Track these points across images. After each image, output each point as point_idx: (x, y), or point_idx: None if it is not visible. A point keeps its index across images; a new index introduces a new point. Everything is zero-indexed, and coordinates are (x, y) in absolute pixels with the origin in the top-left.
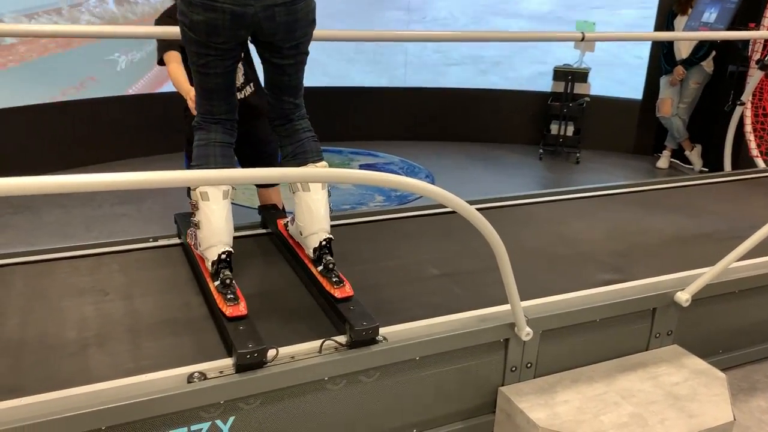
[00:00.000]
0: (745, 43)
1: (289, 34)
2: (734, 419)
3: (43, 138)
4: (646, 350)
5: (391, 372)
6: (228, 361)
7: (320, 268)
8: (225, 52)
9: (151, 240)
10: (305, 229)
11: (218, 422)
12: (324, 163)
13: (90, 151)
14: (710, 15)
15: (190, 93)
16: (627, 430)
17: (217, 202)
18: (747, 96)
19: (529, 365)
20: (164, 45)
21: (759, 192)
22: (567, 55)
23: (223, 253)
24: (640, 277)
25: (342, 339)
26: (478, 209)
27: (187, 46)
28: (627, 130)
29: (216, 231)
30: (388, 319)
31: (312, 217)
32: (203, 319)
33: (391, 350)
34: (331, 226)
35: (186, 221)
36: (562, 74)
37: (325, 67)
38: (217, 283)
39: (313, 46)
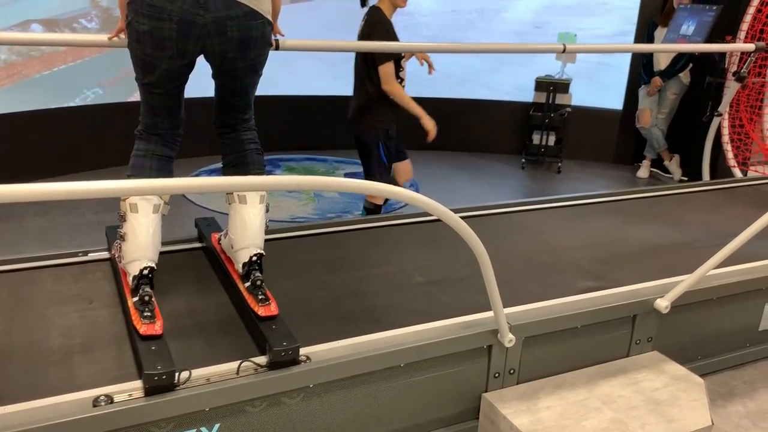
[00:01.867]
0: (722, 55)
1: (242, 53)
2: (712, 424)
3: (25, 146)
4: (627, 356)
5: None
6: (138, 383)
7: (248, 284)
8: (174, 73)
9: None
10: (236, 243)
11: None
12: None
13: (73, 160)
14: (688, 28)
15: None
16: None
17: (146, 216)
18: (724, 107)
19: (512, 371)
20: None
21: (736, 201)
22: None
23: (145, 268)
24: (620, 284)
25: (262, 360)
26: (461, 217)
27: (133, 59)
28: (608, 140)
29: (141, 245)
30: (373, 326)
31: (245, 231)
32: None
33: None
34: (316, 234)
35: (115, 234)
36: (543, 85)
37: (311, 76)
38: (135, 299)
39: (303, 56)
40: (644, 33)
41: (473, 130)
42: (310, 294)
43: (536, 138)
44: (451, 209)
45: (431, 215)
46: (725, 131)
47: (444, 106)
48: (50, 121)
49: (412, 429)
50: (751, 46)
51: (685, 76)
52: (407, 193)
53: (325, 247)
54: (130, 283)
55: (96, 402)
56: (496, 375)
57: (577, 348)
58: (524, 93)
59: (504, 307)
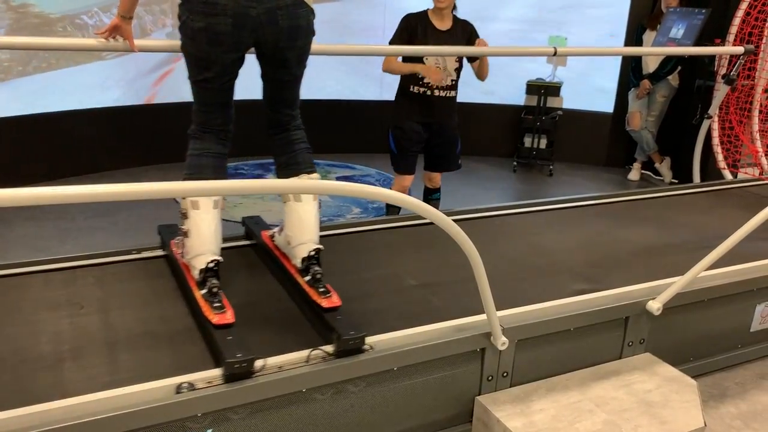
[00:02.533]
0: (712, 58)
1: (292, 42)
2: (705, 425)
3: (20, 149)
4: (620, 358)
5: (378, 381)
6: (216, 372)
7: (307, 278)
8: (227, 67)
9: (134, 252)
10: (294, 239)
11: None
12: (316, 174)
13: (67, 163)
14: (678, 31)
15: (416, 68)
16: None
17: (208, 211)
18: (714, 110)
19: (505, 374)
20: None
21: (726, 203)
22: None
23: (211, 261)
24: (612, 286)
25: (329, 348)
26: (454, 220)
27: (186, 58)
28: (599, 143)
29: (205, 240)
30: (367, 329)
31: (302, 228)
32: (185, 331)
33: (377, 359)
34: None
35: (169, 232)
36: (535, 88)
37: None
38: (203, 291)
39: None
40: (633, 36)
41: (465, 133)
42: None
43: (528, 141)
44: (443, 212)
45: (424, 218)
46: (715, 134)
47: None
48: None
49: None
50: (740, 49)
51: (673, 79)
52: (400, 195)
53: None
54: (196, 276)
55: (179, 389)
56: (490, 378)
57: (570, 350)
58: (516, 96)
59: (497, 309)
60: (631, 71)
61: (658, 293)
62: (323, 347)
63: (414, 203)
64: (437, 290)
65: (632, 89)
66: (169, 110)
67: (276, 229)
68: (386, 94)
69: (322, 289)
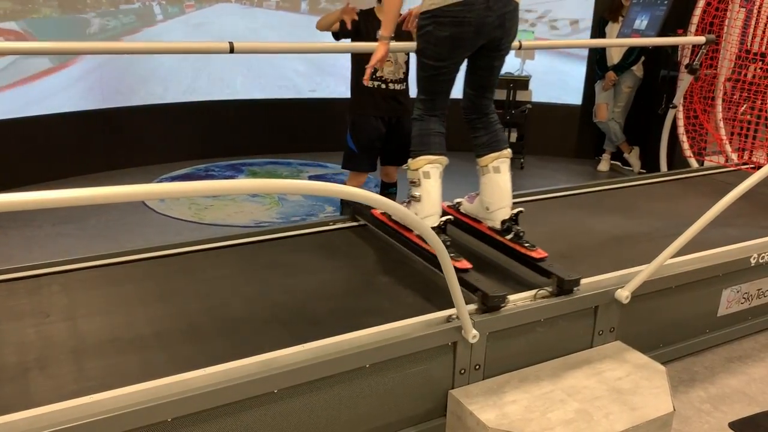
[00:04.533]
0: (675, 48)
1: (510, 39)
2: (674, 410)
3: None
4: (591, 347)
5: (350, 378)
6: (471, 307)
7: (510, 236)
8: (458, 63)
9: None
10: (493, 205)
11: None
12: (509, 150)
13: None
14: (641, 22)
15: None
16: (573, 426)
17: (436, 180)
18: (679, 99)
19: (477, 367)
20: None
21: (693, 190)
22: None
23: (442, 220)
24: (582, 276)
25: (550, 288)
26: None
27: (424, 59)
28: (568, 135)
29: (434, 203)
30: (338, 328)
31: (501, 194)
32: (152, 337)
33: (348, 357)
34: (282, 238)
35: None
36: (504, 82)
37: (274, 79)
38: None
39: (259, 59)
40: (598, 29)
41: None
42: (275, 298)
43: None
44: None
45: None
46: (680, 123)
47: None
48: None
49: (380, 429)
50: (701, 39)
51: (638, 70)
52: (363, 193)
53: (289, 251)
54: None
55: (449, 318)
56: (462, 371)
57: (542, 341)
58: None
59: (467, 303)
60: (596, 64)
61: (627, 282)
62: (545, 288)
63: (381, 200)
64: (408, 286)
65: (598, 81)
66: (131, 113)
67: (465, 198)
68: None
69: (527, 244)
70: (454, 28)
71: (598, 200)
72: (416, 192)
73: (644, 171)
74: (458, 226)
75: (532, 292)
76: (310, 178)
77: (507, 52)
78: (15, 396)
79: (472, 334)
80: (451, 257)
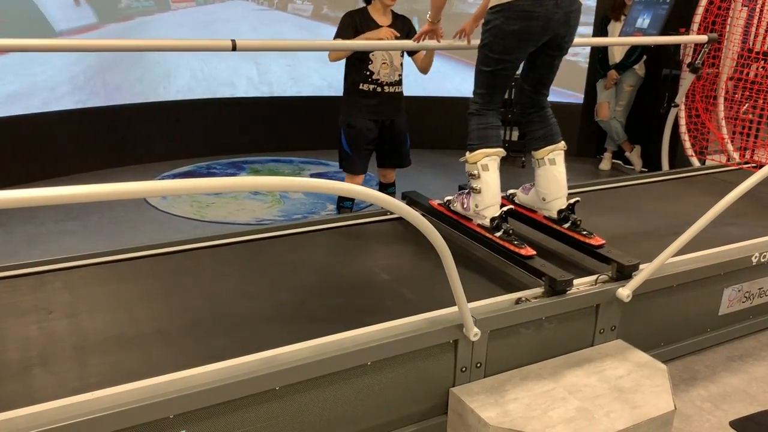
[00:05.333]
0: (677, 47)
1: (571, 37)
2: (675, 408)
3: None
4: (592, 346)
5: (352, 376)
6: (538, 290)
7: (567, 225)
8: (521, 59)
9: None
10: (549, 196)
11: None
12: (564, 143)
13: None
14: (643, 21)
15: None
16: (574, 424)
17: (495, 171)
18: (680, 98)
19: (478, 365)
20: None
21: (695, 189)
22: None
23: (503, 210)
24: (584, 274)
25: (610, 273)
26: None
27: (489, 53)
28: (570, 134)
29: (495, 194)
30: (339, 325)
31: (558, 185)
32: (155, 334)
33: (350, 355)
34: (283, 236)
35: (414, 196)
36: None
37: (277, 76)
38: (499, 233)
39: (264, 56)
40: (599, 27)
41: (437, 127)
42: (277, 296)
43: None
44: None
45: (393, 213)
46: (682, 122)
47: (409, 104)
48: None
49: (382, 427)
50: (703, 38)
51: (640, 68)
52: (370, 192)
53: (291, 249)
54: (486, 224)
55: (518, 301)
56: (463, 369)
57: (543, 339)
58: None
59: (468, 301)
60: (598, 62)
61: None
62: (606, 273)
63: (385, 199)
64: (409, 284)
65: (600, 80)
66: (133, 111)
67: (519, 190)
68: None
69: (585, 232)
70: (523, 22)
71: (600, 199)
72: (476, 184)
73: (646, 170)
74: (514, 216)
75: (593, 277)
76: (312, 175)
77: (567, 51)
78: (17, 392)
79: (474, 332)
80: (515, 245)
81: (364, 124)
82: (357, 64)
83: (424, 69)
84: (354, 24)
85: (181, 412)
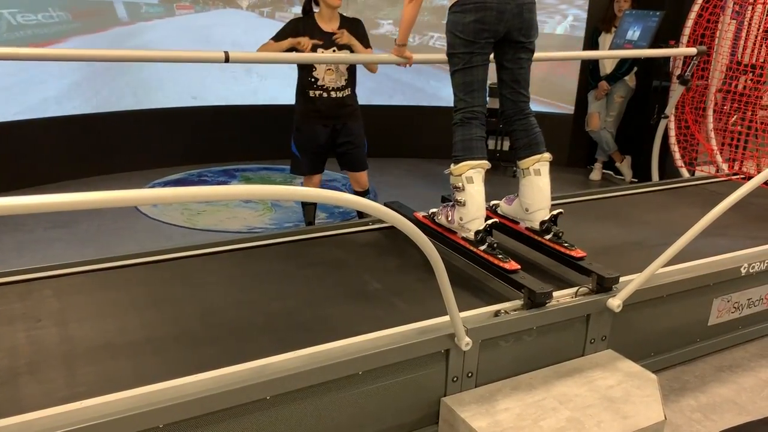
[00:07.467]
0: (667, 59)
1: (530, 30)
2: (665, 418)
3: None
4: (582, 356)
5: (343, 385)
6: (518, 302)
7: (549, 236)
8: (483, 47)
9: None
10: (532, 206)
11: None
12: (549, 153)
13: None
14: (634, 33)
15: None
16: None
17: (479, 184)
18: (670, 109)
19: (470, 375)
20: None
21: (684, 200)
22: None
23: (488, 224)
24: (574, 284)
25: (590, 286)
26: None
27: (454, 51)
28: (560, 144)
29: (479, 206)
30: (330, 335)
31: (542, 196)
32: (144, 342)
33: (342, 364)
34: (275, 244)
35: (398, 207)
36: (497, 91)
37: (264, 84)
38: (483, 247)
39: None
40: (590, 39)
41: (429, 136)
42: (267, 305)
43: (491, 143)
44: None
45: (385, 223)
46: (672, 133)
47: (399, 114)
48: None
49: None
50: (693, 50)
51: (630, 80)
52: (362, 200)
53: (282, 257)
54: (471, 237)
55: (497, 313)
56: (455, 379)
57: (534, 349)
58: None
59: (460, 311)
60: (589, 73)
61: (619, 290)
62: (586, 285)
63: (377, 208)
64: (401, 293)
65: (591, 91)
66: (124, 118)
67: (503, 200)
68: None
69: (566, 244)
70: (478, 13)
71: (590, 209)
72: (460, 197)
73: (636, 180)
74: (496, 227)
75: (574, 289)
76: (303, 184)
77: (531, 46)
78: (5, 401)
79: (465, 342)
80: (499, 259)
81: (313, 129)
82: (303, 71)
83: (371, 69)
84: (296, 31)
85: (170, 421)
